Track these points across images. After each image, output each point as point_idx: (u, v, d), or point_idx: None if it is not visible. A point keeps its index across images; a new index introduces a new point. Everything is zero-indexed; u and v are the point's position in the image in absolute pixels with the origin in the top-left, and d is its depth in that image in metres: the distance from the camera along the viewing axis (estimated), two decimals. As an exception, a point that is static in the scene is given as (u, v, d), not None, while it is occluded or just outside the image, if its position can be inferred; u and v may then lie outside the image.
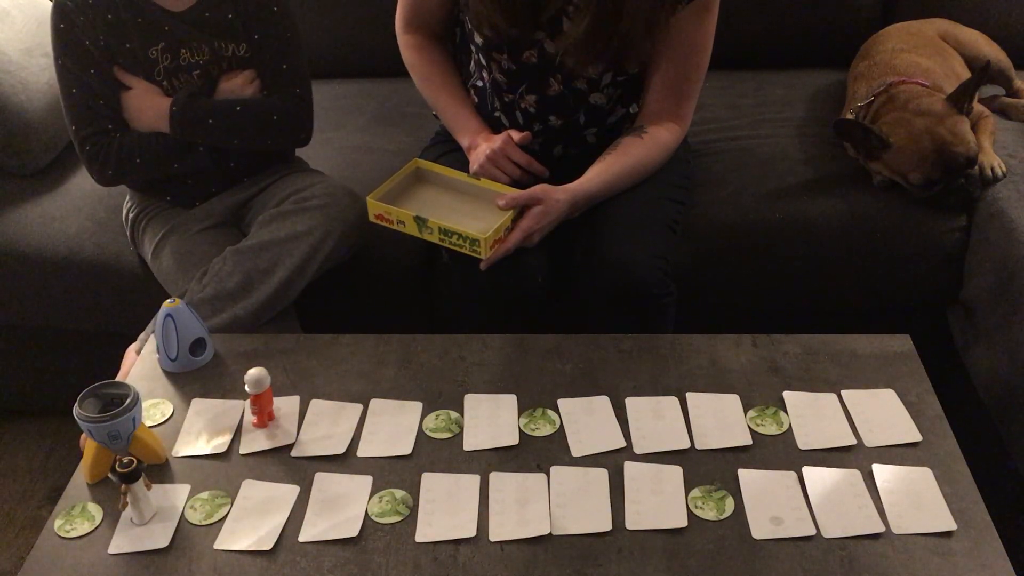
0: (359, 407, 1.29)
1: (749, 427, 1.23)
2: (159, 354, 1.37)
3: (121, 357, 1.54)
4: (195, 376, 1.36)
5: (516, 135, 1.59)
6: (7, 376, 2.00)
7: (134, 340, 1.56)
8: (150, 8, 1.58)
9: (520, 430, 1.24)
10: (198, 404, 1.31)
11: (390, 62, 1.85)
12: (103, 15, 1.57)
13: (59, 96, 1.62)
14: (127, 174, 1.65)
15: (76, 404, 1.15)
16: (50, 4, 1.59)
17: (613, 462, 1.18)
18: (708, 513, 1.11)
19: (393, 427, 1.25)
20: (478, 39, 1.60)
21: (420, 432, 1.24)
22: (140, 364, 1.40)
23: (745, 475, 1.16)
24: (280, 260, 1.56)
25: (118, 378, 1.45)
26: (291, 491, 1.16)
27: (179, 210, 1.71)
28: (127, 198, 1.77)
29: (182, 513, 1.14)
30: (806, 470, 1.16)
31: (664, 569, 1.05)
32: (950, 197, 1.71)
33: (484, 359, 1.37)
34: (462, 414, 1.27)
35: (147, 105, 1.60)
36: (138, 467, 1.09)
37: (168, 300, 1.35)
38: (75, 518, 1.14)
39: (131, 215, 1.75)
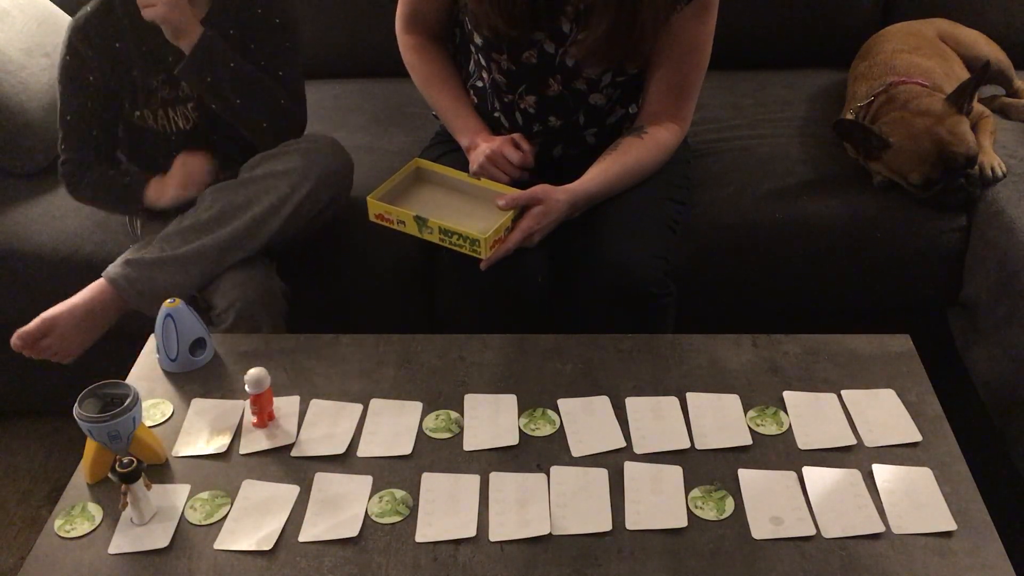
0: (359, 407, 1.29)
1: (749, 427, 1.23)
2: (159, 354, 1.37)
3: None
4: (195, 376, 1.36)
5: (525, 144, 1.59)
6: (7, 376, 2.00)
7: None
8: (155, 38, 1.58)
9: (520, 430, 1.24)
10: (198, 404, 1.31)
11: (390, 62, 1.85)
12: (111, 43, 1.59)
13: (57, 104, 1.65)
14: (89, 202, 1.71)
15: (76, 404, 1.15)
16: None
17: (613, 462, 1.18)
18: (708, 513, 1.11)
19: (393, 427, 1.25)
20: (478, 40, 1.60)
21: (420, 432, 1.24)
22: (140, 364, 1.40)
23: (745, 475, 1.16)
24: (256, 197, 1.58)
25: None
26: (291, 491, 1.16)
27: None
28: None
29: (182, 513, 1.14)
30: (806, 470, 1.16)
31: (664, 569, 1.05)
32: (950, 197, 1.71)
33: (484, 359, 1.37)
34: (462, 414, 1.27)
35: (182, 8, 1.54)
36: (138, 467, 1.09)
37: (168, 300, 1.36)
38: (75, 518, 1.14)
39: None
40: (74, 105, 1.63)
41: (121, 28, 1.60)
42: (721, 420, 1.24)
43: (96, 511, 1.15)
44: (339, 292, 1.78)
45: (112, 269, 1.56)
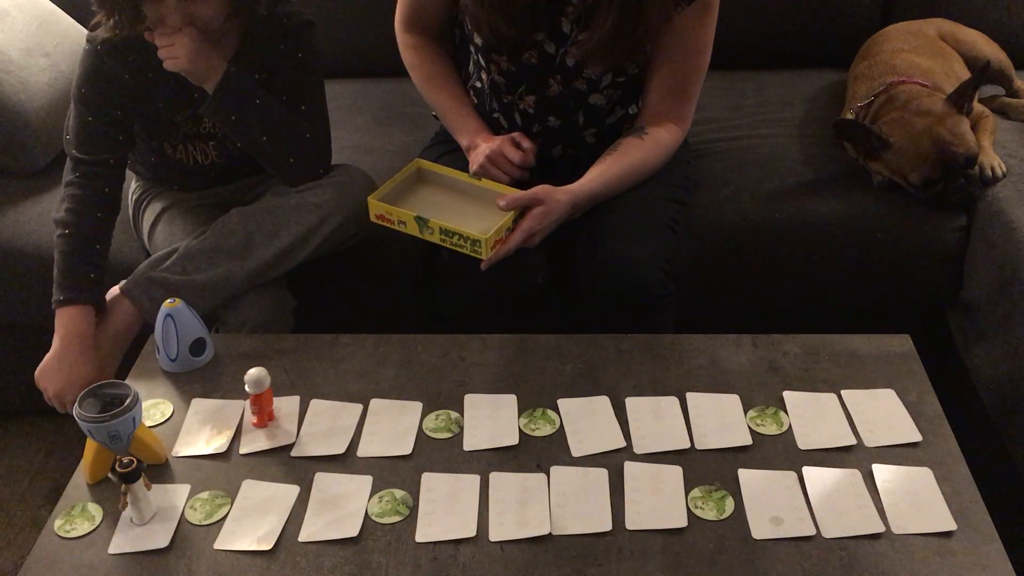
0: (359, 407, 1.29)
1: (749, 427, 1.23)
2: (159, 354, 1.37)
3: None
4: (195, 376, 1.36)
5: (526, 143, 1.59)
6: (7, 376, 2.00)
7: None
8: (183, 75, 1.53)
9: (520, 430, 1.24)
10: (198, 404, 1.31)
11: (390, 62, 1.85)
12: (144, 73, 1.55)
13: (70, 111, 1.58)
14: (61, 208, 1.54)
15: (76, 404, 1.15)
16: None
17: (613, 462, 1.18)
18: (708, 513, 1.11)
19: (393, 427, 1.25)
20: (477, 40, 1.60)
21: (420, 432, 1.24)
22: (140, 364, 1.40)
23: (745, 475, 1.16)
24: (285, 226, 1.55)
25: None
26: (291, 491, 1.16)
27: (182, 192, 1.73)
28: (133, 180, 1.78)
29: (182, 513, 1.14)
30: (806, 470, 1.16)
31: (664, 569, 1.05)
32: (950, 197, 1.71)
33: (484, 359, 1.37)
34: (462, 414, 1.27)
35: (206, 55, 1.48)
36: (138, 467, 1.09)
37: (168, 300, 1.36)
38: (75, 518, 1.14)
39: (134, 196, 1.77)
40: (98, 105, 1.54)
41: (153, 60, 1.51)
42: (721, 420, 1.24)
43: (96, 511, 1.15)
44: (339, 292, 1.78)
45: (134, 288, 1.50)
